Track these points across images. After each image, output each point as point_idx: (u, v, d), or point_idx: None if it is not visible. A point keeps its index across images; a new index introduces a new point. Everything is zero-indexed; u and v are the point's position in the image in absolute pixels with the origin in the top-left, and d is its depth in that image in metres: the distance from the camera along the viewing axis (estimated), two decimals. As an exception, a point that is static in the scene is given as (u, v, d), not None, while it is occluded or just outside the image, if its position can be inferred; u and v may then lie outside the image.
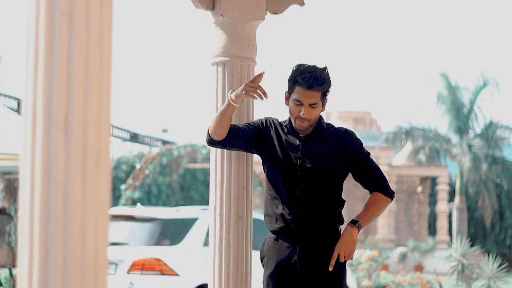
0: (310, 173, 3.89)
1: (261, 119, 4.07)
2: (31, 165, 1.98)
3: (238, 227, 4.18)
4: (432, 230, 26.55)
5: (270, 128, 4.01)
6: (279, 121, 4.07)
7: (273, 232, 3.98)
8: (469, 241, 12.79)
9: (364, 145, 4.03)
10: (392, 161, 25.74)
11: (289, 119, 4.00)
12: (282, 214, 3.91)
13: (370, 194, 3.98)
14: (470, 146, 24.38)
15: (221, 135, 3.87)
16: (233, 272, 4.16)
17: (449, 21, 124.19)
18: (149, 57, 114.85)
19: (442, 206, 24.72)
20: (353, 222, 3.87)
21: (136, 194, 18.90)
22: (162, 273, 8.22)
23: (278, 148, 3.95)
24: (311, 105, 3.86)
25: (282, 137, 3.97)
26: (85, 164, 1.97)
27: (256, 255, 4.36)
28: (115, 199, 22.35)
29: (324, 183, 3.91)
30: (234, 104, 3.81)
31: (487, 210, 24.79)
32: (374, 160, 4.53)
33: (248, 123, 4.02)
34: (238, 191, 4.19)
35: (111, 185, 3.26)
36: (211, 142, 3.93)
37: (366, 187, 3.98)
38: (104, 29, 2.00)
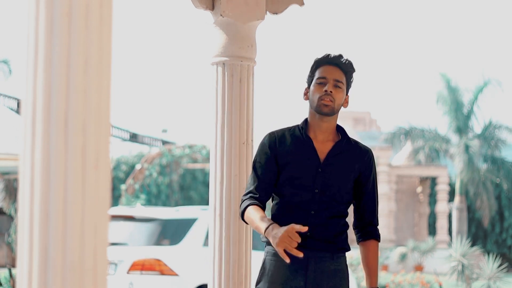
0: (328, 191, 3.57)
1: (267, 146, 3.62)
2: (30, 165, 1.97)
3: (238, 227, 4.17)
4: (432, 230, 26.55)
5: (276, 148, 3.61)
6: (283, 130, 3.66)
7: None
8: (470, 241, 12.80)
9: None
10: (391, 161, 25.73)
11: (300, 127, 3.65)
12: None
13: (363, 238, 3.66)
14: (467, 147, 24.36)
15: None
16: (233, 272, 4.16)
17: (449, 21, 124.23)
18: (148, 57, 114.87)
19: (442, 206, 24.71)
20: None
21: (141, 199, 18.91)
22: (162, 273, 8.22)
23: (291, 163, 3.58)
24: (336, 83, 3.58)
25: (295, 150, 3.59)
26: (85, 164, 1.96)
27: (256, 255, 4.34)
28: (115, 199, 22.35)
29: (339, 202, 3.60)
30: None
31: (485, 210, 24.78)
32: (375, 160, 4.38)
33: (266, 166, 3.59)
34: (238, 191, 4.18)
35: (111, 185, 3.23)
36: None
37: (360, 214, 3.69)
38: (104, 29, 2.00)
